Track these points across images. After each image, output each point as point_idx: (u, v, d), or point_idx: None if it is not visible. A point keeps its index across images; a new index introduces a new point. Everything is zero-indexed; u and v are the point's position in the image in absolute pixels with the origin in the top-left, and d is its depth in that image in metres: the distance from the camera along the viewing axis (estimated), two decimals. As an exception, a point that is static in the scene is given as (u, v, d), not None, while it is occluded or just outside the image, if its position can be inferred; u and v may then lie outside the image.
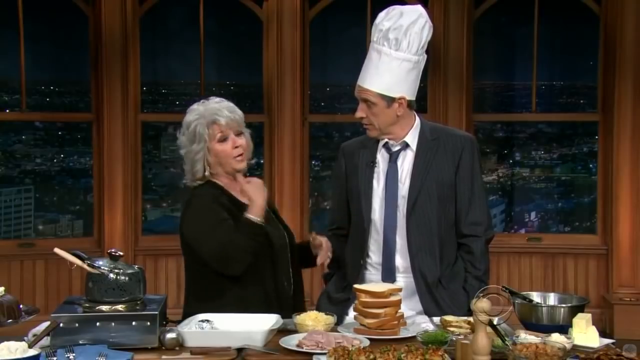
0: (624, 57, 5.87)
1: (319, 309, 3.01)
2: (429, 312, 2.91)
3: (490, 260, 3.08)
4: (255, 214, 2.85)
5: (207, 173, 2.96)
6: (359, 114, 2.97)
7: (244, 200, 2.94)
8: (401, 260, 2.98)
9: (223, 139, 2.93)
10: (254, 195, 2.87)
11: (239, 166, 2.97)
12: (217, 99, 3.01)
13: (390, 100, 2.93)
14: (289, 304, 2.91)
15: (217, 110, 2.94)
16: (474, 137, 3.15)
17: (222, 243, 2.81)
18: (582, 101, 6.51)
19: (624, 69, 5.87)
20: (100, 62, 5.85)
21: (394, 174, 2.99)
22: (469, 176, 3.00)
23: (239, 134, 2.96)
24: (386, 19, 2.93)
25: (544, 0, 6.10)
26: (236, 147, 2.94)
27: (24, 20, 5.79)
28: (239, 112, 2.99)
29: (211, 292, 2.91)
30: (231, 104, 3.00)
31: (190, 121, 2.95)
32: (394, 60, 2.92)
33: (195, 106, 2.99)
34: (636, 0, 5.84)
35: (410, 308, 2.90)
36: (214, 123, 2.92)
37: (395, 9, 2.96)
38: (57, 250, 2.56)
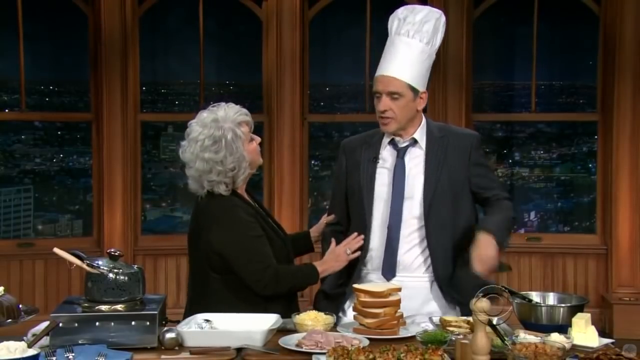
0: (624, 57, 5.87)
1: (315, 306, 3.02)
2: (429, 313, 2.90)
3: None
4: (322, 269, 2.95)
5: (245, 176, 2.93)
6: (383, 106, 2.93)
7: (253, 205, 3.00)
8: (404, 258, 2.97)
9: (252, 139, 2.95)
10: (335, 262, 2.96)
11: (261, 160, 3.04)
12: (224, 104, 2.95)
13: (416, 93, 2.95)
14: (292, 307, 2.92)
15: (237, 114, 2.91)
16: (479, 135, 3.16)
17: (274, 266, 2.85)
18: (581, 101, 6.51)
19: (623, 68, 5.87)
20: (100, 61, 5.85)
21: (401, 170, 2.99)
22: (484, 171, 3.05)
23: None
24: (414, 13, 2.97)
25: (543, 0, 6.10)
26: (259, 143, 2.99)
27: (23, 20, 5.79)
28: None
29: (236, 300, 2.90)
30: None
31: (218, 134, 2.85)
32: (423, 53, 2.96)
33: (207, 114, 2.90)
34: (635, 0, 5.85)
35: (412, 308, 2.89)
36: (241, 125, 2.90)
37: (418, 6, 3.05)
38: (56, 250, 2.56)
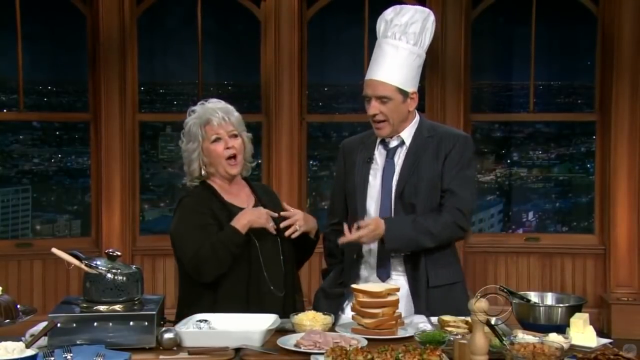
0: (622, 57, 5.88)
1: (314, 305, 3.02)
2: (421, 312, 2.90)
3: (448, 235, 2.97)
4: (238, 224, 2.88)
5: (203, 173, 3.00)
6: (373, 110, 2.94)
7: (236, 203, 2.99)
8: (396, 258, 2.98)
9: (216, 140, 2.96)
10: (247, 212, 2.93)
11: (232, 171, 2.99)
12: (215, 100, 3.05)
13: (405, 95, 2.94)
14: (276, 308, 2.84)
15: (212, 111, 2.97)
16: (470, 136, 3.14)
17: (197, 249, 2.85)
18: (579, 101, 6.51)
19: (621, 68, 5.88)
20: (98, 61, 5.84)
21: (390, 170, 3.00)
22: (454, 172, 2.95)
23: (233, 136, 2.98)
24: (400, 15, 2.96)
25: (541, 0, 6.10)
26: (228, 148, 2.96)
27: (21, 20, 5.79)
28: (235, 115, 3.01)
29: (192, 294, 2.96)
30: (228, 107, 3.03)
31: (188, 121, 3.02)
32: (411, 55, 2.94)
33: (194, 107, 3.04)
34: (634, 0, 5.85)
35: (404, 307, 2.90)
36: (207, 123, 2.96)
37: (405, 6, 3.01)
38: (54, 250, 2.56)
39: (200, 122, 2.96)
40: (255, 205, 3.03)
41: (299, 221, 2.94)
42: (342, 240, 2.90)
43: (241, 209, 2.98)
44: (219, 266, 2.86)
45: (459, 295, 2.97)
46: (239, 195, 3.05)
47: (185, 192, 3.04)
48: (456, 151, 2.97)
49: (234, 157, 2.96)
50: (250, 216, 2.90)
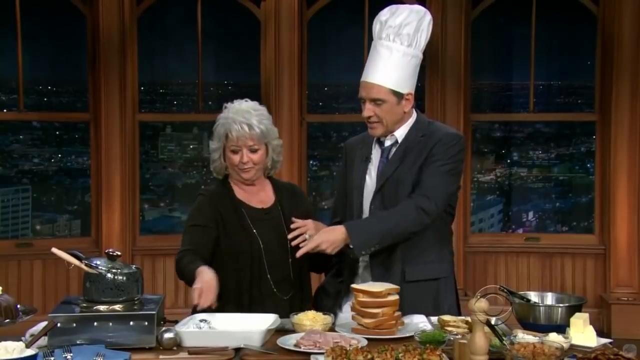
0: (622, 57, 5.88)
1: (315, 303, 3.02)
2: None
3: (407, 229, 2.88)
4: (197, 275, 2.79)
5: (225, 171, 3.07)
6: (367, 112, 2.94)
7: (251, 203, 3.01)
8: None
9: (233, 151, 2.98)
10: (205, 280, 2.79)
11: (245, 176, 3.02)
12: (246, 108, 3.01)
13: (400, 97, 2.93)
14: (280, 311, 2.80)
15: (234, 122, 2.96)
16: (462, 135, 3.08)
17: (182, 250, 2.96)
18: (579, 101, 6.51)
19: (621, 68, 5.88)
20: (98, 61, 5.84)
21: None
22: (435, 162, 2.91)
23: (252, 150, 2.98)
24: (395, 16, 2.94)
25: (541, 1, 6.10)
26: (243, 162, 2.98)
27: (21, 20, 5.79)
28: (258, 129, 2.97)
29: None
30: (252, 119, 2.97)
31: (218, 119, 3.03)
32: (406, 56, 2.93)
33: (228, 104, 3.04)
34: (634, 0, 5.85)
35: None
36: (228, 133, 2.97)
37: (400, 7, 2.98)
38: (54, 250, 2.56)
39: (224, 127, 2.98)
40: (273, 206, 3.05)
41: (309, 230, 2.91)
42: (299, 253, 2.85)
43: (254, 209, 3.01)
44: (181, 278, 2.97)
45: (438, 292, 2.95)
46: (257, 195, 3.07)
47: (202, 189, 3.17)
48: (438, 148, 2.93)
49: (247, 168, 3.00)
50: (199, 284, 2.71)
